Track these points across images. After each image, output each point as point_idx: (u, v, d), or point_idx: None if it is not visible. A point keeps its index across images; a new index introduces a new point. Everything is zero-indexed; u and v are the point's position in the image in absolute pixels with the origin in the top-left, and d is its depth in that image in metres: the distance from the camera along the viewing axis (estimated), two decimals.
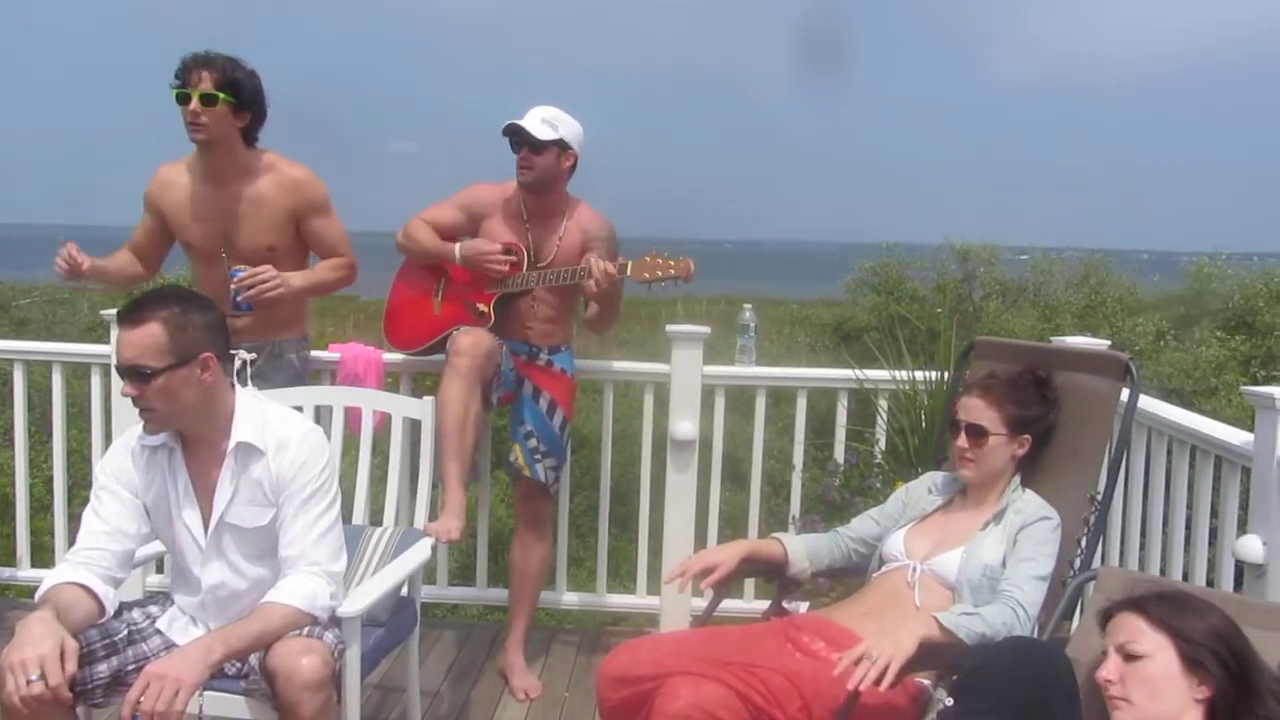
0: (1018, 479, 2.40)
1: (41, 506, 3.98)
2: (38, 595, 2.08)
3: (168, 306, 2.10)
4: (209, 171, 2.98)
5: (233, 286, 2.86)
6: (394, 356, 3.43)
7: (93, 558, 2.14)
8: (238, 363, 2.62)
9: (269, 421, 2.23)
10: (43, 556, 3.92)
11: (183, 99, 2.85)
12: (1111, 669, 1.77)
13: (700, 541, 3.57)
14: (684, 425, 3.46)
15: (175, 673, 1.90)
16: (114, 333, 3.39)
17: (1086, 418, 2.43)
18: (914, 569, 2.33)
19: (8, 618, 3.65)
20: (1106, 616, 1.85)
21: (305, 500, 2.18)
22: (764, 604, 3.33)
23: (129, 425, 3.37)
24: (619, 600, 3.76)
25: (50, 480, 4.03)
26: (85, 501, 3.70)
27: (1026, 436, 2.39)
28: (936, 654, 2.05)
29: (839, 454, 3.53)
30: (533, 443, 3.21)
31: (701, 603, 3.54)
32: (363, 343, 3.61)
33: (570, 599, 3.71)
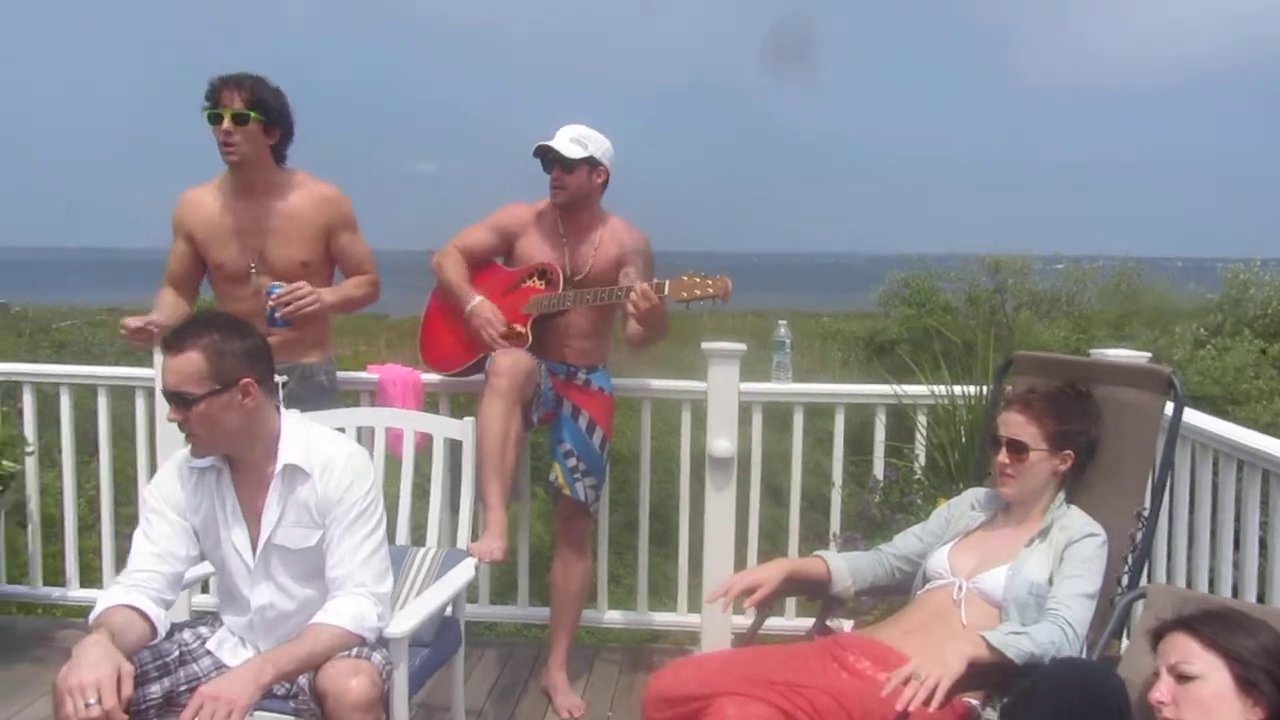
0: (1062, 495, 2.38)
1: (84, 526, 4.04)
2: (91, 618, 2.11)
3: (208, 334, 2.14)
4: (241, 189, 3.03)
5: (270, 303, 2.89)
6: (431, 377, 3.46)
7: (144, 580, 2.17)
8: None
9: (314, 444, 2.26)
10: (89, 576, 3.97)
11: (215, 119, 2.91)
12: (1164, 691, 1.76)
13: (740, 558, 3.57)
14: (722, 443, 3.46)
15: (228, 694, 1.92)
16: (157, 358, 3.45)
17: (1129, 432, 2.41)
18: (959, 586, 2.32)
19: (57, 637, 3.71)
20: (1157, 636, 1.84)
21: (352, 522, 2.21)
22: (806, 622, 3.34)
23: (173, 446, 3.43)
24: (660, 618, 3.75)
25: (93, 500, 4.09)
26: (129, 521, 3.76)
27: (1068, 452, 2.37)
28: (985, 673, 2.04)
29: (878, 470, 3.52)
30: (572, 461, 3.23)
31: (743, 620, 3.56)
32: (399, 363, 3.65)
33: (612, 617, 3.71)
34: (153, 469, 3.69)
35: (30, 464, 3.67)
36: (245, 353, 2.17)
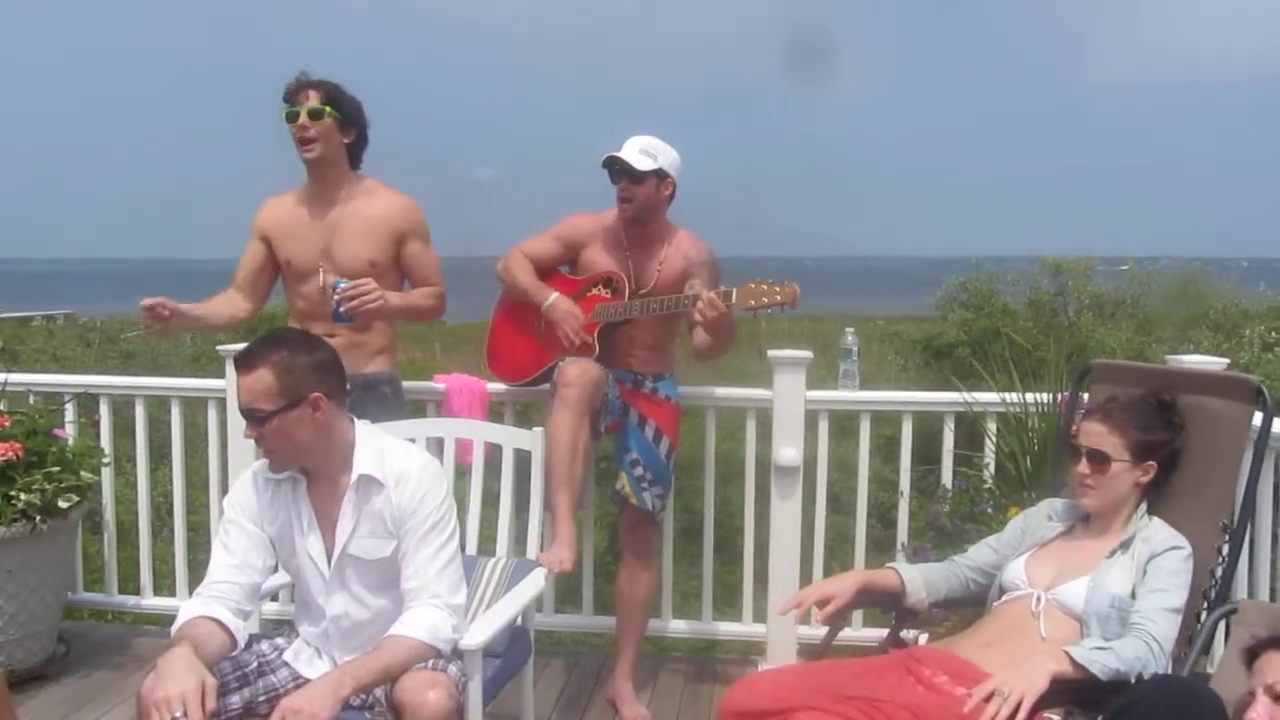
0: (1144, 506, 2.33)
1: (154, 533, 4.11)
2: (173, 629, 2.14)
3: (276, 350, 2.16)
4: (316, 191, 3.10)
5: (335, 297, 2.90)
6: (497, 386, 3.47)
7: (223, 591, 2.20)
8: None
9: (387, 455, 2.27)
10: (161, 584, 4.04)
11: (291, 116, 2.99)
12: (1261, 711, 1.71)
13: (805, 568, 3.54)
14: (788, 451, 3.44)
15: (309, 707, 1.94)
16: (229, 371, 3.51)
17: (1215, 443, 2.35)
18: (1037, 598, 2.27)
19: (132, 645, 3.78)
20: (1252, 655, 1.79)
21: (426, 533, 2.22)
22: (873, 632, 3.31)
23: (244, 456, 3.50)
24: (725, 628, 3.73)
25: (160, 508, 4.17)
26: (197, 529, 3.82)
27: (1151, 463, 2.32)
28: (1067, 689, 2.00)
29: (946, 479, 3.47)
30: (639, 470, 3.22)
31: (809, 630, 3.54)
32: (460, 371, 3.67)
33: (676, 626, 3.70)
34: (223, 478, 3.75)
35: (106, 474, 3.75)
36: (314, 367, 2.19)
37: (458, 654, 2.20)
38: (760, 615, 3.62)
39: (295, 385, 2.15)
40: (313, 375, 2.18)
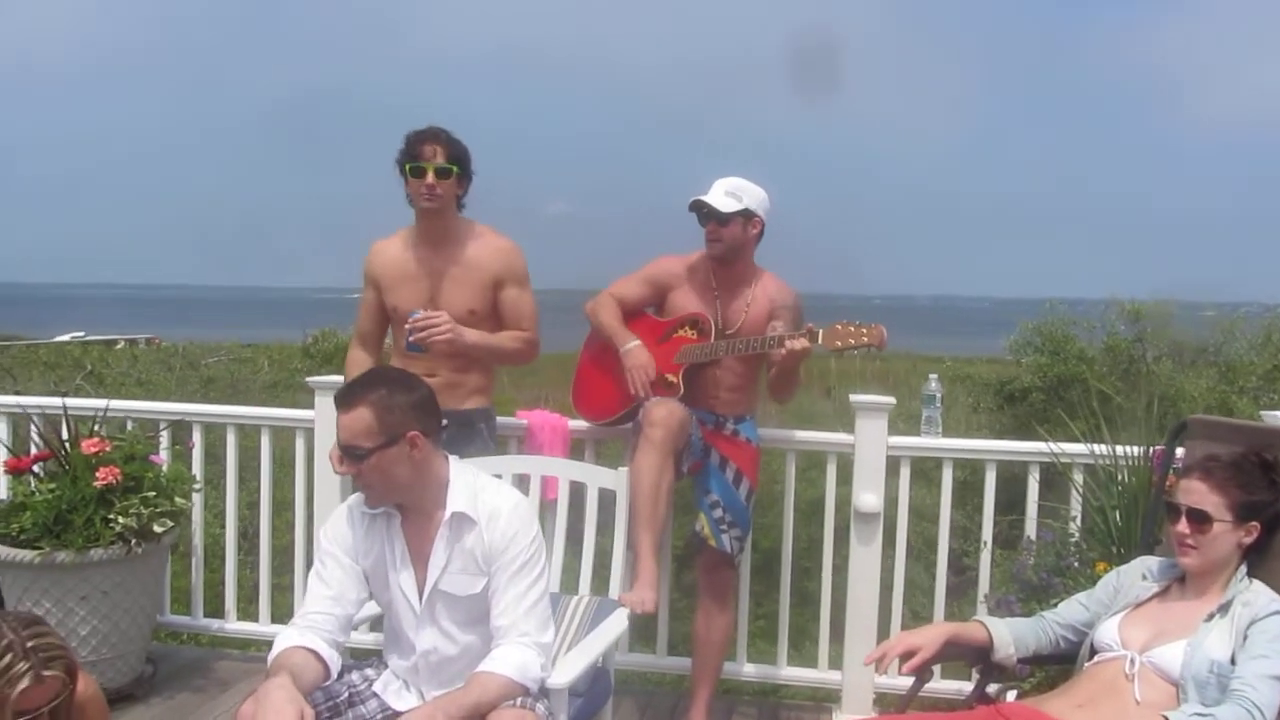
0: (1244, 569, 2.28)
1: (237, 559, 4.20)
2: (270, 657, 2.19)
3: (375, 390, 2.22)
4: (425, 237, 3.18)
5: (407, 326, 3.00)
6: (579, 424, 3.51)
7: (318, 621, 2.25)
8: None
9: (480, 492, 2.31)
10: (244, 609, 4.12)
11: (418, 172, 3.06)
12: None
13: (884, 616, 3.50)
14: (869, 497, 3.42)
15: None
16: (319, 403, 3.61)
17: None
18: (1132, 660, 2.22)
19: (215, 668, 3.86)
20: None
21: (516, 571, 2.25)
22: (950, 684, 3.27)
23: (330, 485, 3.58)
24: (799, 674, 3.70)
25: (245, 533, 4.27)
26: (279, 553, 3.89)
27: (1254, 524, 2.26)
28: None
29: (1030, 530, 3.42)
30: (718, 513, 3.23)
31: (885, 680, 3.50)
32: (542, 407, 3.72)
33: (749, 670, 3.68)
34: (309, 506, 3.84)
35: (196, 500, 3.85)
36: (412, 406, 2.24)
37: (545, 693, 2.22)
38: (836, 662, 3.58)
39: (394, 424, 2.20)
40: (411, 414, 2.23)
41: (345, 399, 2.23)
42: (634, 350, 3.17)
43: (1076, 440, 3.35)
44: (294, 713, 1.95)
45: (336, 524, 2.38)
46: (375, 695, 2.32)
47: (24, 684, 2.03)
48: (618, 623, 2.60)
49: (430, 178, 3.05)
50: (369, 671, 2.38)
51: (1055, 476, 3.50)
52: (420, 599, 2.30)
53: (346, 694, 2.28)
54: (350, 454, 2.20)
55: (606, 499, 2.89)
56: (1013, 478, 3.64)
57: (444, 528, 2.28)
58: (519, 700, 2.15)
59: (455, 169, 3.07)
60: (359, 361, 3.26)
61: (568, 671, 2.26)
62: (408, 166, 3.07)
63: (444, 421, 2.33)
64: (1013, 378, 10.41)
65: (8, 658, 2.03)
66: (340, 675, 2.29)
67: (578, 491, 2.94)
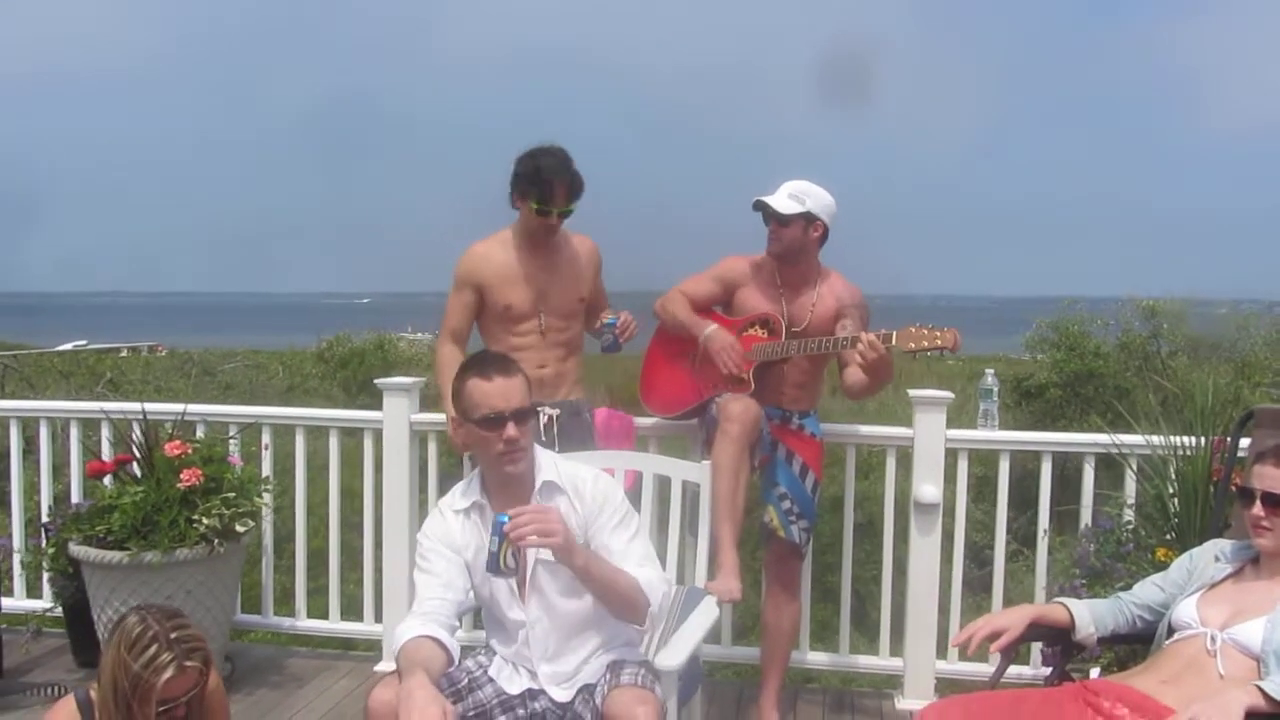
0: None
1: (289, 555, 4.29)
2: (395, 648, 2.24)
3: (517, 363, 2.45)
4: (530, 242, 3.33)
5: (614, 333, 3.32)
6: (643, 420, 3.61)
7: (435, 608, 2.33)
8: (543, 418, 2.92)
9: (561, 467, 2.47)
10: (314, 607, 4.21)
11: (544, 213, 3.22)
12: None
13: (944, 605, 3.61)
14: (928, 489, 3.52)
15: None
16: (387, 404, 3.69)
17: None
18: (1212, 637, 2.32)
19: (287, 665, 3.96)
20: None
21: (617, 525, 2.40)
22: (1013, 669, 3.37)
23: (398, 485, 3.68)
24: (863, 661, 3.81)
25: (317, 532, 4.37)
26: (349, 553, 3.98)
27: None
28: None
29: (1086, 518, 3.53)
30: (786, 504, 3.33)
31: (946, 665, 3.61)
32: (611, 407, 3.82)
33: (815, 658, 3.78)
34: (376, 507, 3.93)
35: (267, 499, 3.95)
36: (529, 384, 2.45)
37: (656, 676, 2.32)
38: (898, 649, 3.69)
39: (532, 395, 2.41)
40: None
41: (505, 367, 2.39)
42: (715, 334, 3.28)
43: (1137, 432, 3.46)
44: (437, 711, 2.01)
45: (434, 523, 2.48)
46: (491, 680, 2.41)
47: (169, 673, 2.12)
48: (710, 609, 2.70)
49: (554, 220, 3.24)
50: (481, 659, 2.47)
51: (1065, 470, 3.61)
52: (526, 576, 2.38)
53: (466, 680, 2.38)
54: (524, 414, 2.35)
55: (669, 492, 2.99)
56: (1028, 472, 3.77)
57: (536, 496, 2.39)
58: (639, 679, 2.25)
59: (575, 205, 3.25)
60: (453, 357, 3.35)
61: (677, 654, 2.36)
62: (535, 204, 3.19)
63: (555, 411, 2.47)
64: (1029, 374, 10.56)
65: (154, 648, 2.13)
66: (459, 662, 2.38)
67: (660, 485, 3.04)
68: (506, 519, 2.19)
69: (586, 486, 2.42)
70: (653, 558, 2.42)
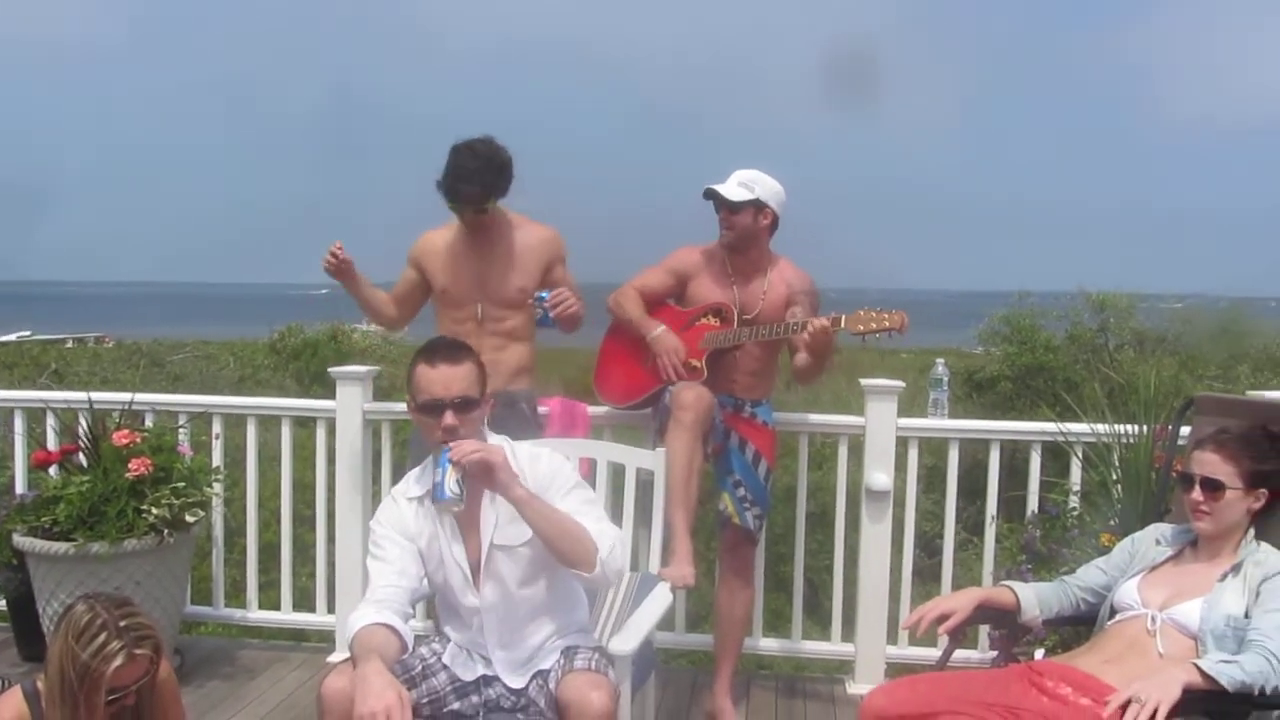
0: (1252, 532, 2.45)
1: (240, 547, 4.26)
2: (348, 636, 2.23)
3: (469, 349, 2.44)
4: (473, 228, 3.33)
5: (544, 307, 3.25)
6: (597, 410, 3.62)
7: (389, 595, 2.32)
8: None
9: (516, 449, 2.47)
10: (265, 599, 4.18)
11: (458, 212, 3.26)
12: None
13: (894, 591, 3.67)
14: (879, 477, 3.58)
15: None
16: (340, 393, 3.67)
17: None
18: (1153, 618, 2.39)
19: (239, 657, 3.93)
20: None
21: (568, 492, 2.40)
22: (960, 652, 3.43)
23: (352, 474, 3.66)
24: (813, 647, 3.85)
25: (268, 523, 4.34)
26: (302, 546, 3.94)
27: (1263, 491, 2.44)
28: (1191, 700, 2.12)
29: (1033, 504, 3.60)
30: (741, 492, 3.36)
31: (896, 650, 3.67)
32: (565, 397, 3.83)
33: (768, 645, 3.82)
34: (330, 497, 3.91)
35: (217, 489, 3.91)
36: (484, 370, 2.45)
37: (610, 661, 2.34)
38: (849, 635, 3.74)
39: (484, 381, 2.41)
40: (486, 377, 2.45)
41: (453, 354, 2.39)
42: (661, 336, 3.29)
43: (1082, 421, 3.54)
44: (394, 696, 2.01)
45: (387, 510, 2.47)
46: (445, 667, 2.41)
47: (118, 661, 2.10)
48: (664, 595, 2.72)
49: (470, 217, 3.26)
50: (435, 645, 2.47)
51: (1014, 459, 3.67)
52: (481, 559, 2.38)
53: (420, 667, 2.38)
54: (464, 405, 2.34)
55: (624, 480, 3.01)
56: (977, 462, 3.84)
57: None
58: (593, 663, 2.27)
59: (490, 204, 3.24)
60: (386, 300, 3.51)
61: (630, 639, 2.38)
62: (449, 204, 3.23)
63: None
64: (980, 367, 10.68)
65: (102, 636, 2.11)
66: (412, 649, 2.38)
67: (614, 473, 3.05)
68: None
69: (540, 464, 2.42)
70: (606, 520, 2.42)
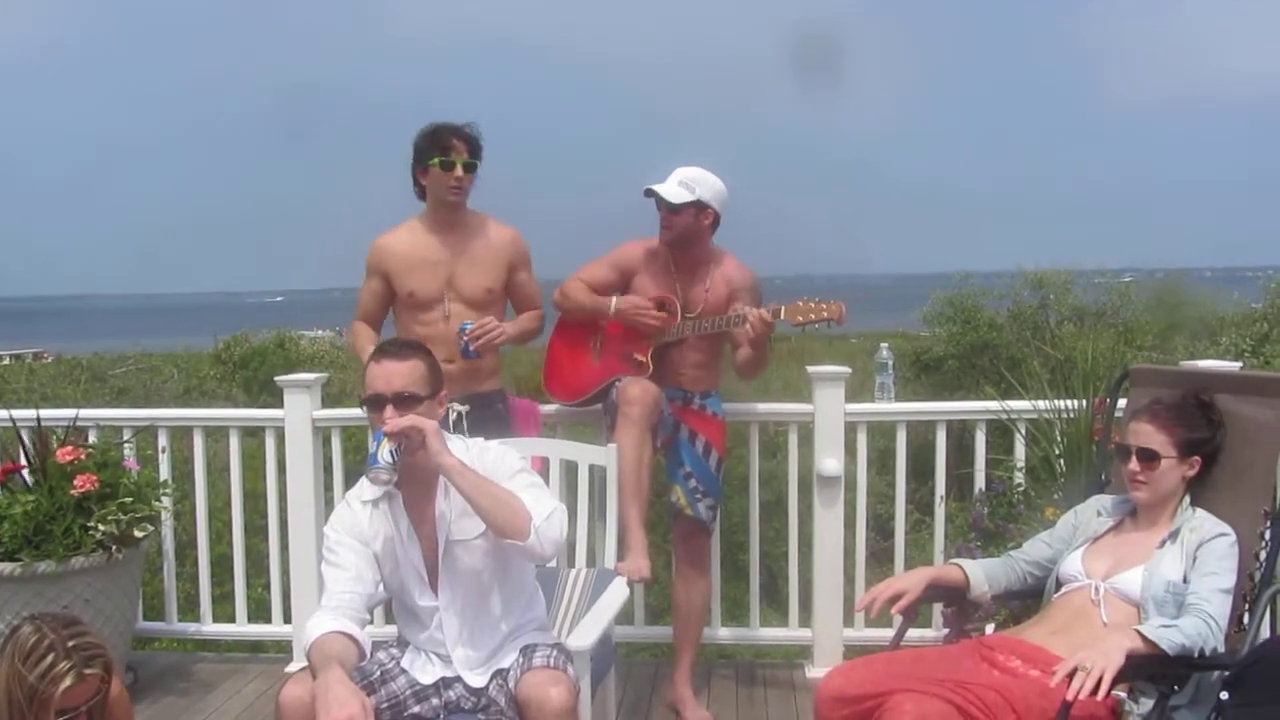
0: (1188, 499, 2.52)
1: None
2: (306, 644, 2.23)
3: (421, 348, 2.42)
4: (439, 226, 3.32)
5: (465, 339, 3.19)
6: (549, 407, 3.63)
7: (346, 602, 2.32)
8: (452, 414, 2.90)
9: (468, 444, 2.47)
10: (219, 612, 4.14)
11: (447, 165, 3.20)
12: None
13: (849, 575, 3.72)
14: (830, 462, 3.62)
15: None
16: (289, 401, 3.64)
17: (1253, 437, 2.54)
18: (1096, 588, 2.45)
19: (194, 671, 3.88)
20: None
21: (513, 474, 2.39)
22: (915, 632, 3.49)
23: (302, 482, 3.63)
24: (771, 633, 3.89)
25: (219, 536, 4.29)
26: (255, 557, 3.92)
27: (1196, 458, 2.51)
28: (1136, 665, 2.19)
29: (980, 482, 3.67)
30: (692, 483, 3.39)
31: (853, 633, 3.72)
32: (517, 396, 3.83)
33: (726, 634, 3.86)
34: (281, 506, 3.88)
35: (166, 503, 3.86)
36: (438, 370, 2.43)
37: (570, 658, 2.35)
38: (806, 620, 3.79)
39: (436, 382, 2.39)
40: (439, 376, 2.42)
41: (400, 350, 2.38)
42: (621, 300, 3.34)
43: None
44: (358, 705, 2.01)
45: (341, 515, 2.46)
46: (404, 671, 2.41)
47: (67, 682, 2.08)
48: (620, 590, 2.73)
49: (459, 171, 3.21)
50: (393, 650, 2.47)
51: (963, 439, 3.74)
52: (437, 557, 2.38)
53: (378, 672, 2.37)
54: (406, 400, 2.31)
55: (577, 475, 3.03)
56: (926, 443, 3.90)
57: (442, 486, 2.38)
58: (552, 659, 2.28)
59: (478, 164, 3.24)
60: (365, 330, 3.41)
61: (588, 635, 2.39)
62: (437, 160, 3.19)
63: (465, 407, 2.46)
64: (927, 348, 10.88)
65: (50, 657, 2.08)
66: (370, 654, 2.37)
67: (567, 471, 3.07)
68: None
69: (488, 455, 2.43)
70: (550, 498, 2.42)
